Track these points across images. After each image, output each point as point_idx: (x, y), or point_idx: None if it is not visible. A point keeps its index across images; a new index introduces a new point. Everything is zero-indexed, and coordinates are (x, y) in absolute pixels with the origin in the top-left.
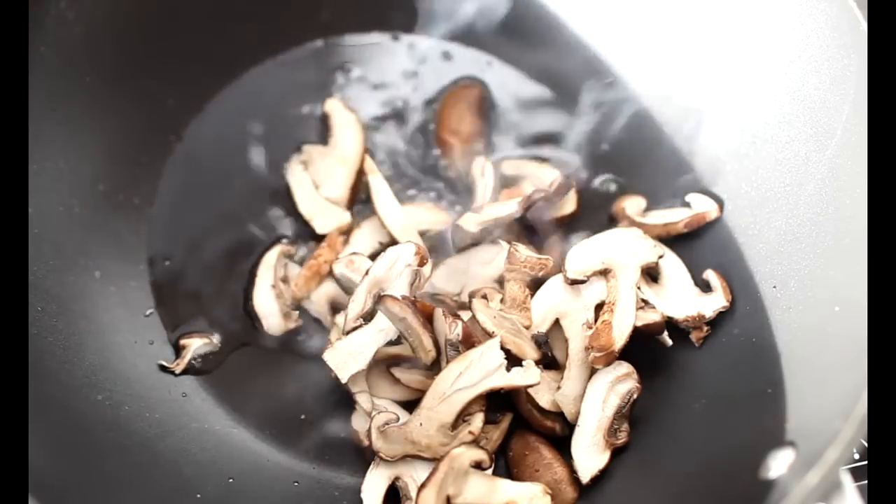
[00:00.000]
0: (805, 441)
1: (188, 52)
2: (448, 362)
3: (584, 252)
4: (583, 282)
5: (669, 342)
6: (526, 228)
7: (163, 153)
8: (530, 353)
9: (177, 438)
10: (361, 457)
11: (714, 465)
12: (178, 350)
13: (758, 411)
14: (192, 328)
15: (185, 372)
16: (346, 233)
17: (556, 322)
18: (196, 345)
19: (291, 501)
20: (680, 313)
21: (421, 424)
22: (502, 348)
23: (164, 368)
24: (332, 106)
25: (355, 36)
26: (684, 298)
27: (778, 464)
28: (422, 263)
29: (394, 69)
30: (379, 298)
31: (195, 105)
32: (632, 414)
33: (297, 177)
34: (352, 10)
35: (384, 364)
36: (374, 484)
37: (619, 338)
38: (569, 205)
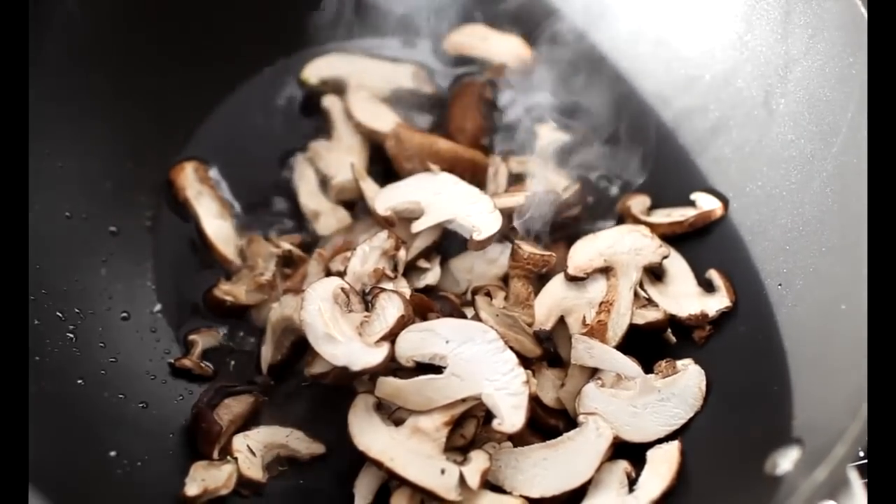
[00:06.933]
0: (812, 438)
1: (198, 52)
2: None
3: (588, 248)
4: (582, 279)
5: (673, 339)
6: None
7: (170, 152)
8: (532, 349)
9: (185, 435)
10: None
11: (721, 462)
12: (186, 346)
13: (764, 408)
14: (198, 324)
15: (191, 370)
16: (348, 232)
17: (561, 319)
18: (204, 341)
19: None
20: (683, 312)
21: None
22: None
23: (171, 365)
24: (330, 101)
25: (367, 40)
26: (688, 297)
27: (785, 461)
28: (397, 248)
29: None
30: (371, 291)
31: (205, 104)
32: None
33: (302, 176)
34: (363, 15)
35: None
36: (367, 480)
37: (614, 338)
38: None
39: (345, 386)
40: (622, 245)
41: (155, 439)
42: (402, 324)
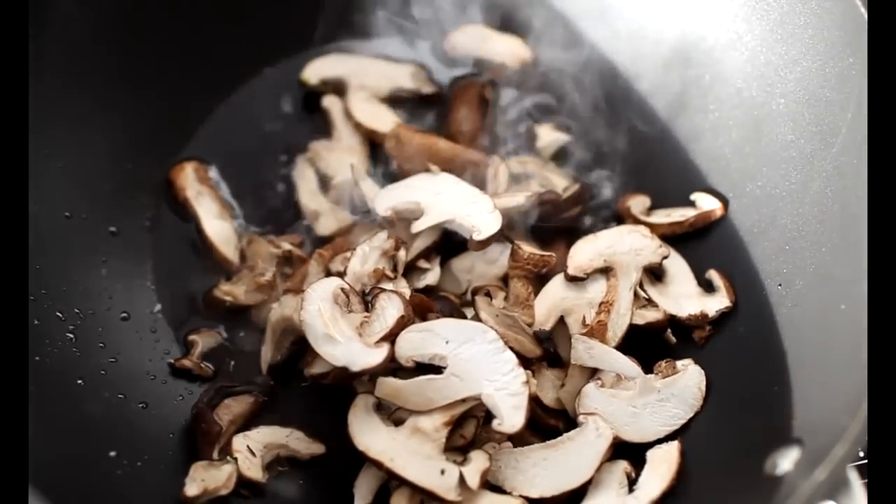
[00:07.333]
0: (812, 438)
1: (198, 52)
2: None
3: (588, 248)
4: (582, 279)
5: (673, 340)
6: (530, 226)
7: (170, 152)
8: (532, 350)
9: (185, 435)
10: None
11: (721, 462)
12: (186, 347)
13: (764, 408)
14: (198, 325)
15: (191, 370)
16: (348, 233)
17: (561, 319)
18: (204, 341)
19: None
20: (683, 312)
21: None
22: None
23: (171, 366)
24: (330, 101)
25: (367, 40)
26: (688, 298)
27: (785, 461)
28: (397, 248)
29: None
30: (371, 291)
31: (205, 105)
32: None
33: (302, 176)
34: (363, 15)
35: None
36: (367, 481)
37: (613, 339)
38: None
39: (345, 386)
40: (622, 245)
41: (155, 439)
42: (401, 324)
